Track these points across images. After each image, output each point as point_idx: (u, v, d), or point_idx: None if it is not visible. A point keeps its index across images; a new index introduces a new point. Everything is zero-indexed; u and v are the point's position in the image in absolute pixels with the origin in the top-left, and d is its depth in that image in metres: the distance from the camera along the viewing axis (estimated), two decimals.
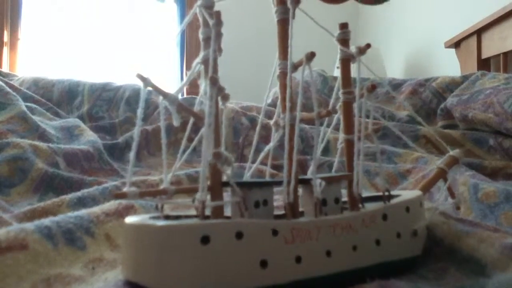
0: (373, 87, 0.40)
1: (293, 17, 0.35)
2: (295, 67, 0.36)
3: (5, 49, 2.50)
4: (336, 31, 0.39)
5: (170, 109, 0.30)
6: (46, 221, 0.39)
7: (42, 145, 0.83)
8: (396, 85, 1.42)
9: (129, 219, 0.31)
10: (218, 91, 0.30)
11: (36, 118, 1.03)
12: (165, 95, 0.30)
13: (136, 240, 0.29)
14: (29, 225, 0.37)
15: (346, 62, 0.39)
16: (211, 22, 0.31)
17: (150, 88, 0.30)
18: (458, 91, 1.18)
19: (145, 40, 2.79)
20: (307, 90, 1.07)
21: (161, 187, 0.30)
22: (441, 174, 0.44)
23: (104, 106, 1.34)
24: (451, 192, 0.45)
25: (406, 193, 0.41)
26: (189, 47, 2.79)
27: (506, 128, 0.95)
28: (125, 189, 0.28)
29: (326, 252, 0.32)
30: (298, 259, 0.30)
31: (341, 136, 0.39)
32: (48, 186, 0.75)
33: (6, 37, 2.51)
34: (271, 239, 0.29)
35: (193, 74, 0.32)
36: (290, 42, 0.35)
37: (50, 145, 0.86)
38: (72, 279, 0.34)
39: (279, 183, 0.33)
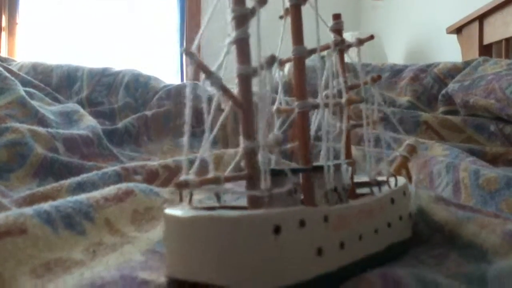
0: (378, 77, 0.42)
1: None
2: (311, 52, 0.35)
3: (3, 34, 2.48)
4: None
5: (212, 90, 0.28)
6: (45, 205, 0.39)
7: (41, 130, 0.83)
8: (397, 71, 1.41)
9: (174, 212, 0.28)
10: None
11: (35, 103, 1.02)
12: (209, 74, 0.27)
13: (198, 233, 0.26)
14: (28, 210, 0.37)
15: (340, 52, 0.41)
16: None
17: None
18: (460, 77, 1.17)
19: (144, 25, 2.77)
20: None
21: (211, 175, 0.28)
22: (405, 162, 0.48)
23: (103, 92, 1.33)
24: (409, 177, 0.48)
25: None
26: (188, 32, 2.76)
27: (507, 114, 0.94)
28: (183, 178, 0.26)
29: (359, 236, 0.32)
30: (342, 245, 0.30)
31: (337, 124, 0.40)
32: (47, 171, 0.75)
33: (4, 22, 2.49)
34: (323, 226, 0.29)
35: (227, 54, 0.29)
36: (317, 28, 0.34)
37: (49, 130, 0.86)
38: (72, 263, 0.34)
39: (315, 169, 0.33)
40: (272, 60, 0.28)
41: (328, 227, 0.29)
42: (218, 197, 0.33)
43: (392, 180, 0.40)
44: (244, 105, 0.28)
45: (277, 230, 0.26)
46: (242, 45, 0.28)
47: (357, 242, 0.32)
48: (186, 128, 0.28)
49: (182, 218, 0.27)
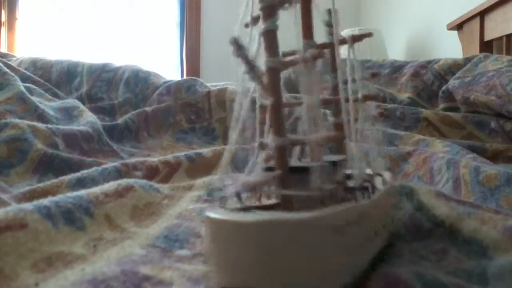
0: (373, 75, 0.42)
1: None
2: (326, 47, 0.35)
3: (3, 29, 2.47)
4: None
5: (252, 84, 0.27)
6: (45, 201, 0.39)
7: (41, 126, 0.83)
8: (398, 67, 1.41)
9: (218, 215, 0.25)
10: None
11: (34, 98, 1.02)
12: (252, 68, 0.26)
13: (262, 238, 0.24)
14: (28, 205, 0.37)
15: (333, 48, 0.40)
16: None
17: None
18: (461, 74, 1.17)
19: (145, 21, 2.76)
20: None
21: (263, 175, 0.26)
22: None
23: (103, 87, 1.33)
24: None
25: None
26: (188, 27, 2.76)
27: (508, 110, 0.94)
28: (247, 178, 0.25)
29: (375, 232, 0.32)
30: (368, 241, 0.31)
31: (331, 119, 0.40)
32: (47, 167, 0.75)
33: (3, 17, 2.49)
34: (360, 223, 0.29)
35: (260, 47, 0.28)
36: (335, 19, 0.34)
37: (49, 125, 0.86)
38: (74, 258, 0.34)
39: (337, 164, 0.33)
40: (319, 55, 0.27)
41: (362, 224, 0.29)
42: (239, 197, 0.32)
43: (388, 175, 0.41)
44: (273, 99, 0.27)
45: (336, 230, 0.25)
46: (270, 37, 0.27)
47: (375, 237, 0.32)
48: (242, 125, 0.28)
49: (244, 222, 0.24)
